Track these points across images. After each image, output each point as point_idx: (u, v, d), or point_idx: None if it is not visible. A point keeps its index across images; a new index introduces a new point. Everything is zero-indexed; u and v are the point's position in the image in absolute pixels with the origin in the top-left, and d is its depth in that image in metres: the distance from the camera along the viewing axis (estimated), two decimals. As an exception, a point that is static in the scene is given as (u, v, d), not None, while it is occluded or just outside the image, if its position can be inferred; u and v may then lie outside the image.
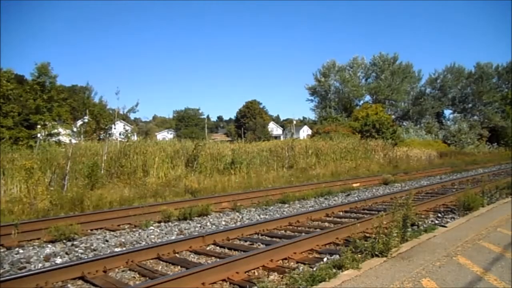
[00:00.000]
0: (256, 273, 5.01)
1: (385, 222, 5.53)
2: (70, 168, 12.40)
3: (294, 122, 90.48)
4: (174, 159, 16.29)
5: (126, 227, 8.33)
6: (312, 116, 66.13)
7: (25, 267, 5.43)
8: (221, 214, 9.56)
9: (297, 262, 5.43)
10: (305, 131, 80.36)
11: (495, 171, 22.29)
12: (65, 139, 20.50)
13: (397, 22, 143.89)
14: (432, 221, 8.17)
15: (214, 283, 4.58)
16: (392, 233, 5.25)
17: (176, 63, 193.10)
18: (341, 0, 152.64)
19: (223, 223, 8.58)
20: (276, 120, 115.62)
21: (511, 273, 4.35)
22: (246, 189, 14.08)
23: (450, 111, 59.65)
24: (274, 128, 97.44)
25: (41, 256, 5.92)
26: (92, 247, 6.47)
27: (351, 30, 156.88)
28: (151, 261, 5.68)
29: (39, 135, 19.56)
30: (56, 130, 20.16)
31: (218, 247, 6.49)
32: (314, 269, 4.71)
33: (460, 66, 58.25)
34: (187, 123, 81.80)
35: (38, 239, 7.10)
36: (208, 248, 6.39)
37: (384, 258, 4.96)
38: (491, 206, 9.20)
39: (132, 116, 40.81)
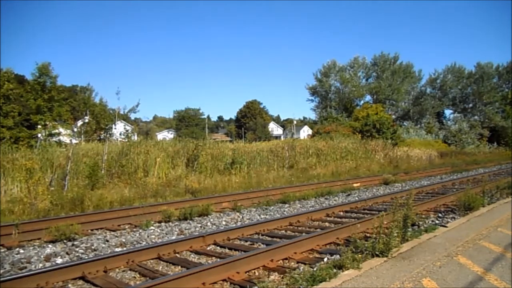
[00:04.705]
0: (257, 273, 5.01)
1: (385, 222, 5.52)
2: (70, 168, 12.40)
3: (295, 122, 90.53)
4: (174, 159, 16.29)
5: (126, 227, 8.33)
6: (312, 116, 66.25)
7: (25, 267, 5.43)
8: (221, 214, 9.56)
9: (298, 262, 5.43)
10: (305, 131, 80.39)
11: (496, 171, 22.28)
12: (65, 139, 20.51)
13: (397, 22, 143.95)
14: (432, 221, 8.17)
15: (215, 283, 4.58)
16: (393, 233, 5.25)
17: (177, 63, 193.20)
18: (341, 0, 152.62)
19: (224, 223, 8.58)
20: (277, 120, 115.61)
21: (511, 273, 4.34)
22: (247, 189, 14.09)
23: (451, 111, 59.78)
24: (274, 128, 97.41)
25: (42, 256, 5.92)
26: (92, 247, 6.47)
27: (351, 30, 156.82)
28: (152, 261, 5.68)
29: (39, 135, 19.57)
30: (56, 130, 20.16)
31: (218, 247, 6.49)
32: (315, 269, 4.71)
33: (461, 66, 58.38)
34: (187, 123, 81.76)
35: (38, 239, 7.11)
36: (208, 248, 6.39)
37: (385, 258, 4.95)
38: (492, 206, 9.19)
39: (132, 116, 40.77)
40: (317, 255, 5.77)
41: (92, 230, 7.99)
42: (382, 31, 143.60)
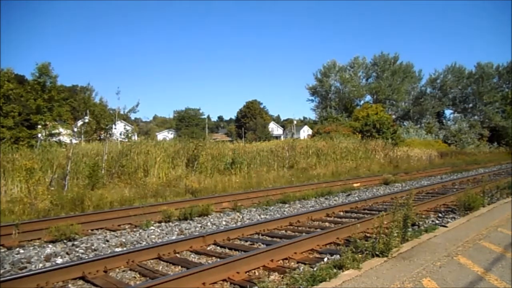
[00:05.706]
0: (257, 273, 5.01)
1: (385, 222, 5.52)
2: (70, 168, 12.40)
3: (295, 122, 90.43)
4: (174, 159, 16.30)
5: (126, 227, 8.33)
6: (312, 116, 66.32)
7: (25, 267, 5.43)
8: (221, 214, 9.56)
9: (298, 262, 5.43)
10: (305, 131, 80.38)
11: (496, 171, 22.29)
12: (65, 139, 20.50)
13: (397, 22, 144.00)
14: (432, 221, 8.17)
15: (215, 283, 4.58)
16: (393, 233, 5.25)
17: (177, 63, 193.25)
18: (342, 0, 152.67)
19: (224, 223, 8.58)
20: (277, 120, 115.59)
21: (511, 273, 4.34)
22: (247, 189, 14.08)
23: (451, 111, 59.86)
24: (274, 128, 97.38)
25: (42, 256, 5.92)
26: (92, 247, 6.47)
27: (351, 30, 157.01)
28: (152, 261, 5.68)
29: (39, 135, 19.56)
30: (56, 130, 20.15)
31: (218, 247, 6.49)
32: (315, 269, 4.70)
33: (461, 66, 58.41)
34: (187, 123, 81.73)
35: (38, 239, 7.11)
36: (208, 248, 6.39)
37: (385, 258, 4.95)
38: (492, 206, 9.19)
39: (132, 116, 40.70)
40: (317, 255, 5.77)
41: (92, 230, 7.99)
42: (382, 31, 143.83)
